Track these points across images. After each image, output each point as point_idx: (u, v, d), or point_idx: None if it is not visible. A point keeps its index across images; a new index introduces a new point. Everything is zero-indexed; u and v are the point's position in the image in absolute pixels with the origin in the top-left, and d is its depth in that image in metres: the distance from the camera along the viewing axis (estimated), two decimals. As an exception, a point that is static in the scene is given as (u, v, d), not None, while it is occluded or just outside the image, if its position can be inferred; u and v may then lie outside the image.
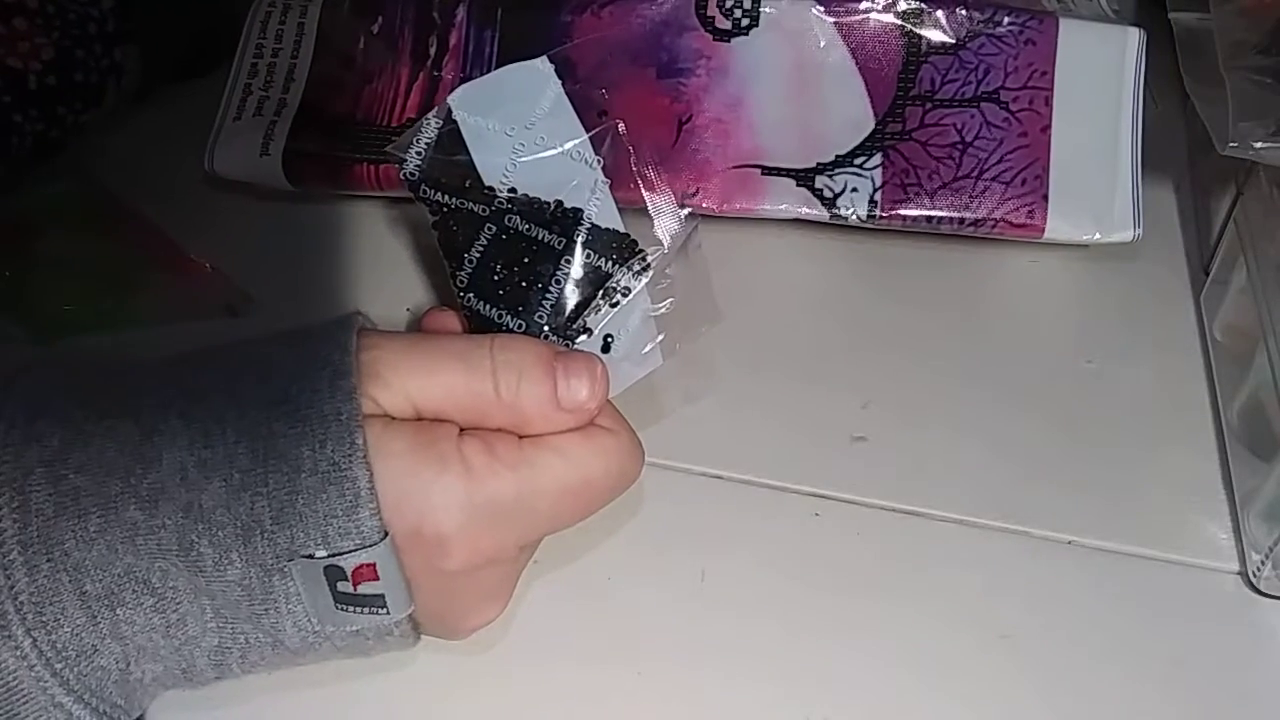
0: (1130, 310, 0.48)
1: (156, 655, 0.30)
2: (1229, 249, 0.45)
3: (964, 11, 0.47)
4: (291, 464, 0.29)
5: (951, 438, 0.43)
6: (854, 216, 0.47)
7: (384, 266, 0.49)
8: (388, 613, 0.30)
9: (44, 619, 0.28)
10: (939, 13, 0.47)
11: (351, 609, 0.30)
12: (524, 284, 0.37)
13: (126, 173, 0.50)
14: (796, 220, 0.48)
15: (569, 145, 0.39)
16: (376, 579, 0.29)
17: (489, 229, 0.38)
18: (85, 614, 0.28)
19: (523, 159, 0.39)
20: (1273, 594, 0.38)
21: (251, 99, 0.50)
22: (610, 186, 0.39)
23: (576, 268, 0.37)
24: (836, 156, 0.47)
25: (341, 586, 0.29)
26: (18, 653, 0.28)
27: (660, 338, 0.38)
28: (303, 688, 0.36)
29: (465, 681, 0.36)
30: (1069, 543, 0.40)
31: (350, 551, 0.29)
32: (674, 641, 0.37)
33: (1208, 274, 0.47)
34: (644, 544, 0.40)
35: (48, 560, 0.28)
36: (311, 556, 0.29)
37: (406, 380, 0.31)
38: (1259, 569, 0.38)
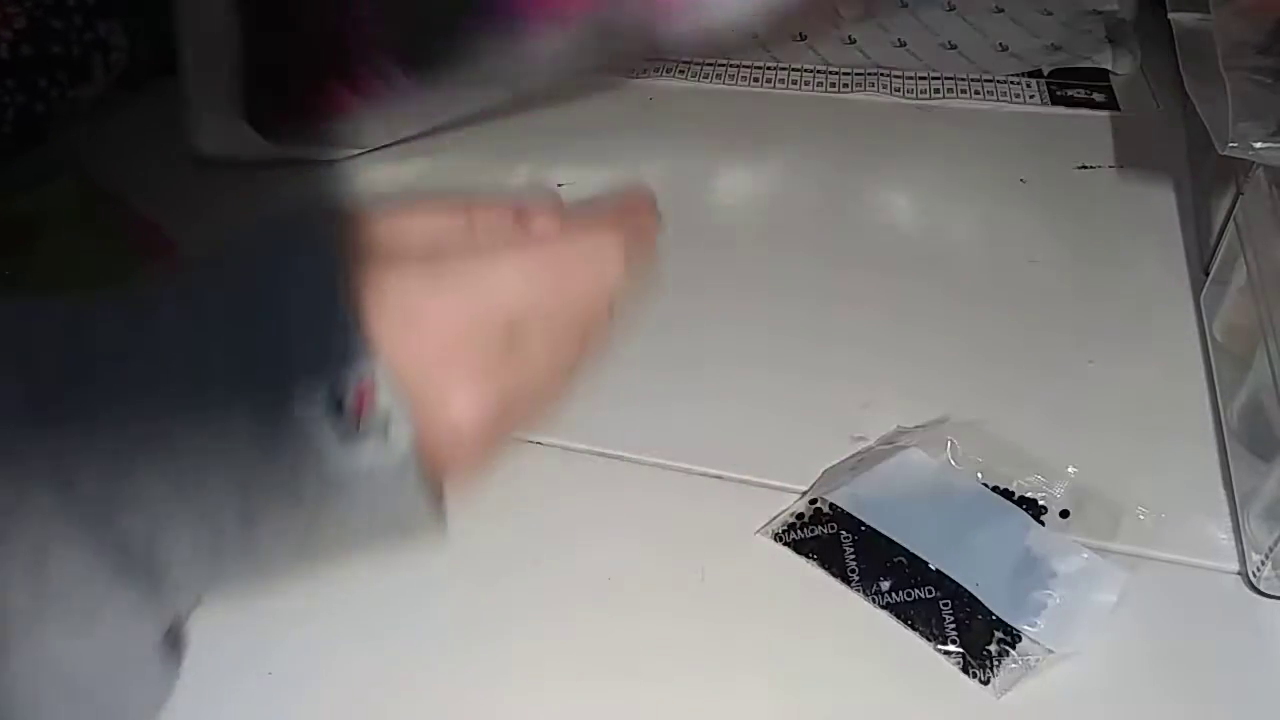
0: (1130, 310, 0.48)
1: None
2: (1229, 249, 0.45)
3: None
4: (278, 309, 0.29)
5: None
6: None
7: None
8: (396, 435, 0.29)
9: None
10: None
11: (361, 440, 0.29)
12: None
13: (121, 164, 0.51)
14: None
15: None
16: (378, 397, 0.29)
17: None
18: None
19: None
20: (1273, 594, 0.38)
21: (210, 74, 0.49)
22: None
23: None
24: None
25: (346, 415, 0.29)
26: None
27: None
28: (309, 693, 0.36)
29: (465, 681, 0.36)
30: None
31: (344, 374, 0.28)
32: (673, 641, 0.37)
33: (1208, 274, 0.47)
34: (644, 544, 0.40)
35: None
36: (312, 389, 0.28)
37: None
38: (1259, 569, 0.38)
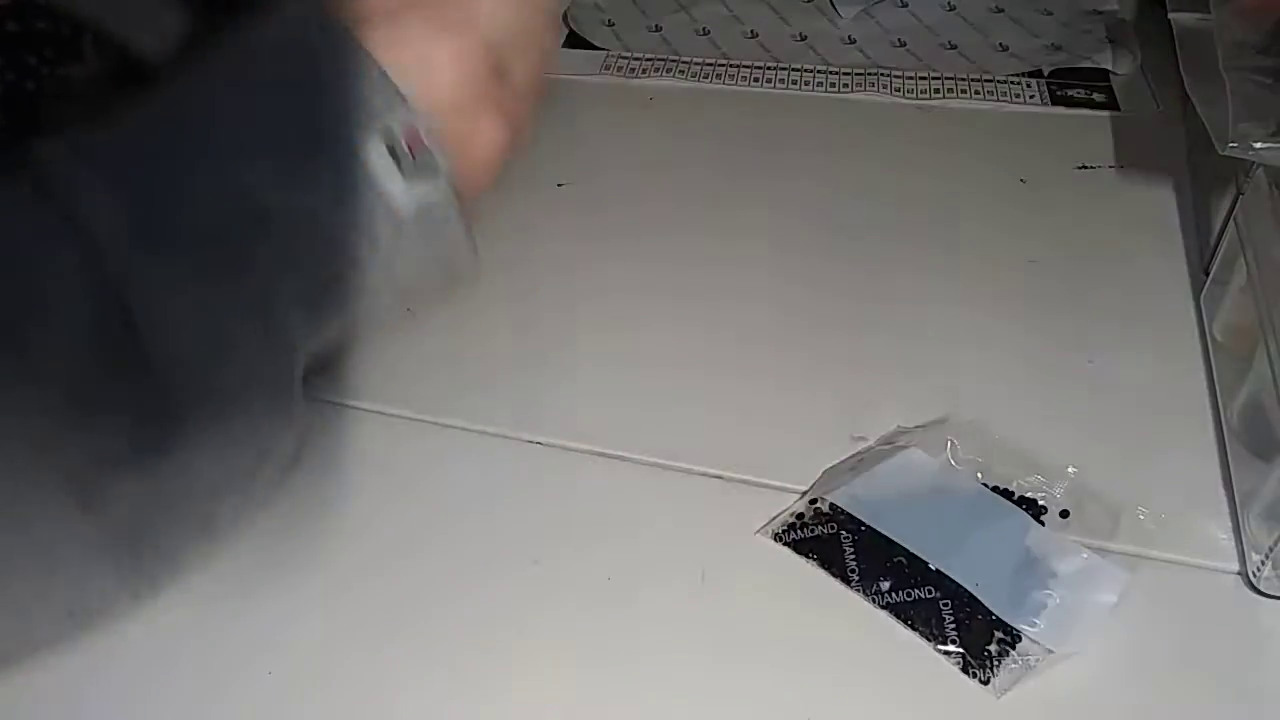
0: (1130, 310, 0.48)
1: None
2: (1229, 249, 0.45)
3: None
4: (318, 81, 0.31)
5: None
6: None
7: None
8: (443, 176, 0.32)
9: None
10: None
11: (417, 181, 0.32)
12: None
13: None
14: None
15: None
16: (425, 141, 0.32)
17: None
18: None
19: None
20: (1273, 594, 0.38)
21: None
22: None
23: None
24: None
25: (403, 159, 0.31)
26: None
27: None
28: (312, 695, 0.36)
29: (466, 681, 0.36)
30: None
31: (398, 121, 0.31)
32: (674, 641, 0.37)
33: (1208, 274, 0.47)
34: (644, 544, 0.40)
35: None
36: (372, 136, 0.31)
37: None
38: (1259, 569, 0.38)
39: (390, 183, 0.32)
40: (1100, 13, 0.68)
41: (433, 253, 0.34)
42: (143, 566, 0.31)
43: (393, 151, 0.31)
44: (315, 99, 0.31)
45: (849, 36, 0.67)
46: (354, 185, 0.31)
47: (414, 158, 0.32)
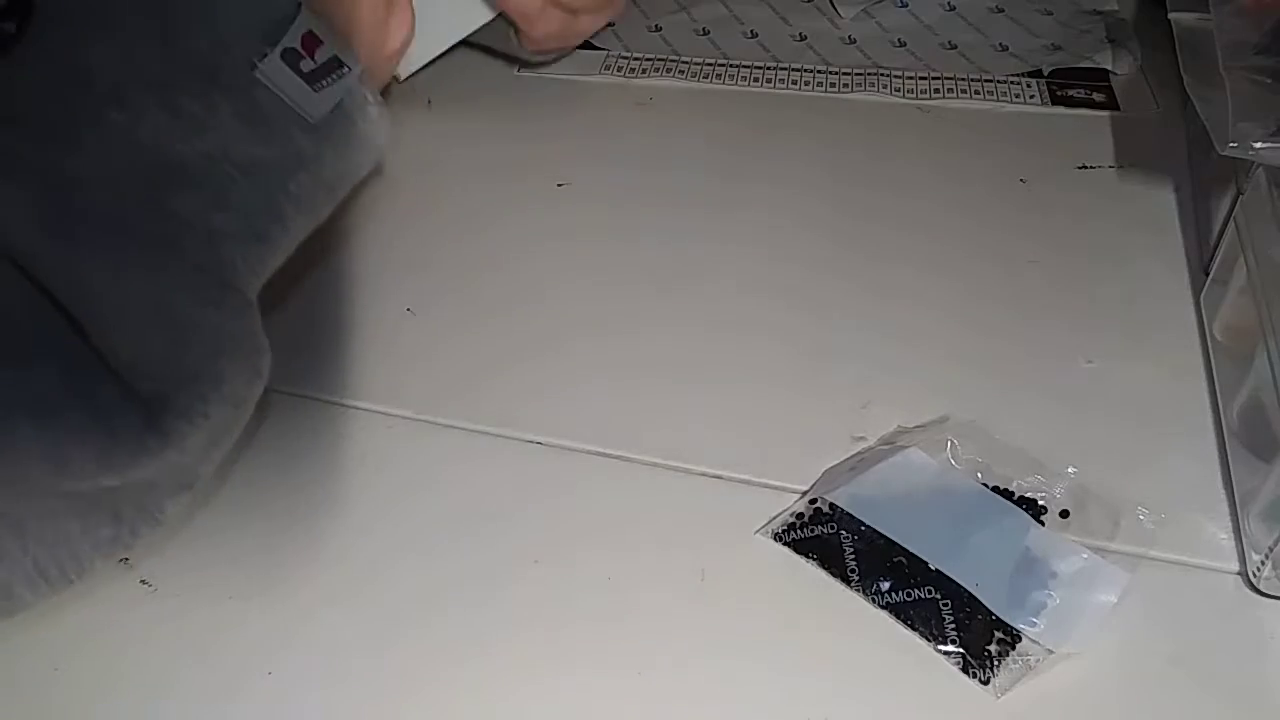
0: (1130, 310, 0.48)
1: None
2: (1229, 249, 0.45)
3: None
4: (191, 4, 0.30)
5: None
6: None
7: (380, 262, 0.49)
8: (347, 68, 0.32)
9: None
10: None
11: (322, 82, 0.32)
12: None
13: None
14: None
15: None
16: (321, 41, 0.31)
17: None
18: None
19: None
20: (1273, 594, 0.38)
21: None
22: None
23: None
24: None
25: (304, 66, 0.31)
26: None
27: None
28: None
29: (466, 682, 0.36)
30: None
31: (289, 31, 0.31)
32: (674, 641, 0.37)
33: (1208, 274, 0.47)
34: (644, 544, 0.40)
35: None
36: (266, 54, 0.30)
37: None
38: (1259, 569, 0.38)
39: (295, 93, 0.31)
40: (1100, 13, 0.68)
41: (352, 144, 0.33)
42: (121, 530, 0.30)
43: (291, 60, 0.31)
44: (192, 25, 0.30)
45: (849, 36, 0.67)
46: (259, 107, 0.31)
47: (315, 60, 0.31)
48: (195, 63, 0.30)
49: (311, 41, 0.31)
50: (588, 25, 0.59)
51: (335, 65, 0.32)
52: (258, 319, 0.32)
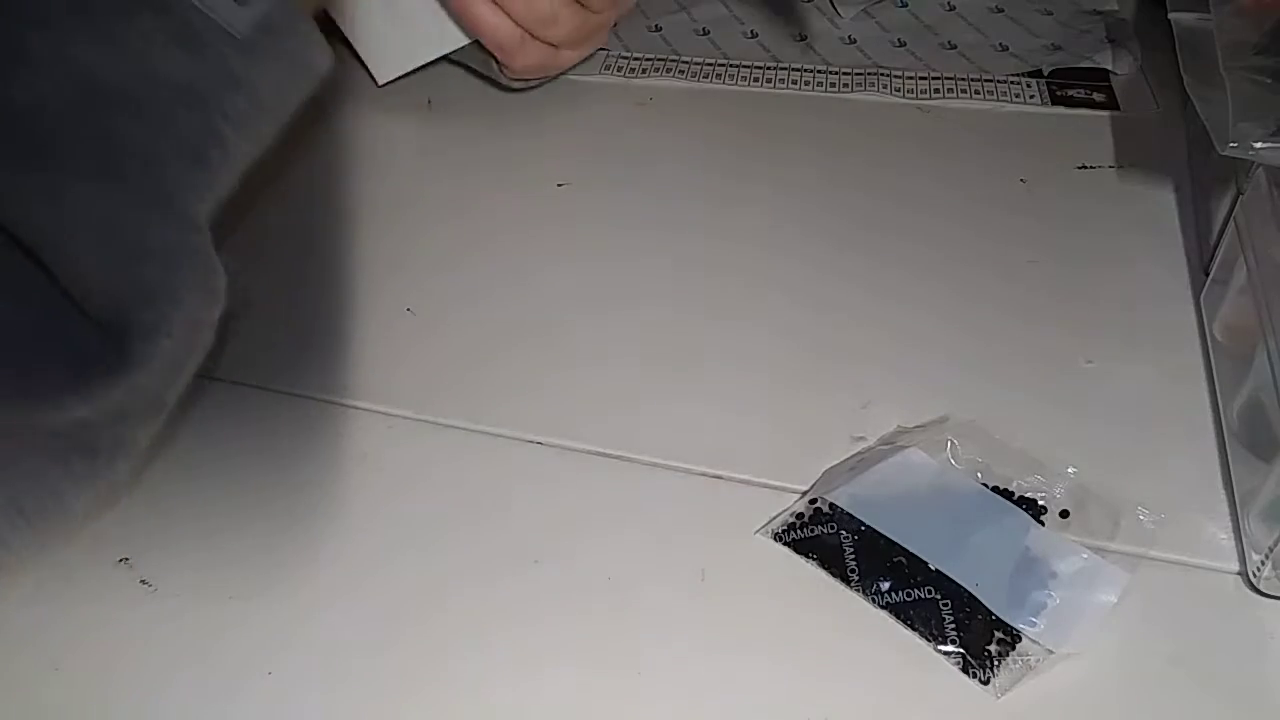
0: (1130, 310, 0.48)
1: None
2: (1229, 249, 0.45)
3: None
4: None
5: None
6: None
7: (381, 263, 0.49)
8: None
9: None
10: None
11: None
12: None
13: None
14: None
15: None
16: None
17: None
18: None
19: None
20: (1273, 594, 0.38)
21: None
22: None
23: None
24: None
25: None
26: None
27: None
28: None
29: (465, 682, 0.36)
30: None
31: None
32: (674, 640, 0.37)
33: (1208, 274, 0.47)
34: (644, 544, 0.40)
35: None
36: None
37: None
38: (1259, 569, 0.38)
39: (221, 7, 0.30)
40: (1100, 13, 0.68)
41: (284, 62, 0.32)
42: (98, 463, 0.30)
43: None
44: None
45: (849, 36, 0.67)
46: (188, 26, 0.30)
47: None
48: None
49: None
50: (570, 58, 0.59)
51: None
52: (209, 242, 0.31)
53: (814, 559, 0.39)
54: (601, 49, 0.67)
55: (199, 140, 0.31)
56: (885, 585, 0.38)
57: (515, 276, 0.51)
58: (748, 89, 0.64)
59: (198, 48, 0.30)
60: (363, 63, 0.60)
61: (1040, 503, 0.40)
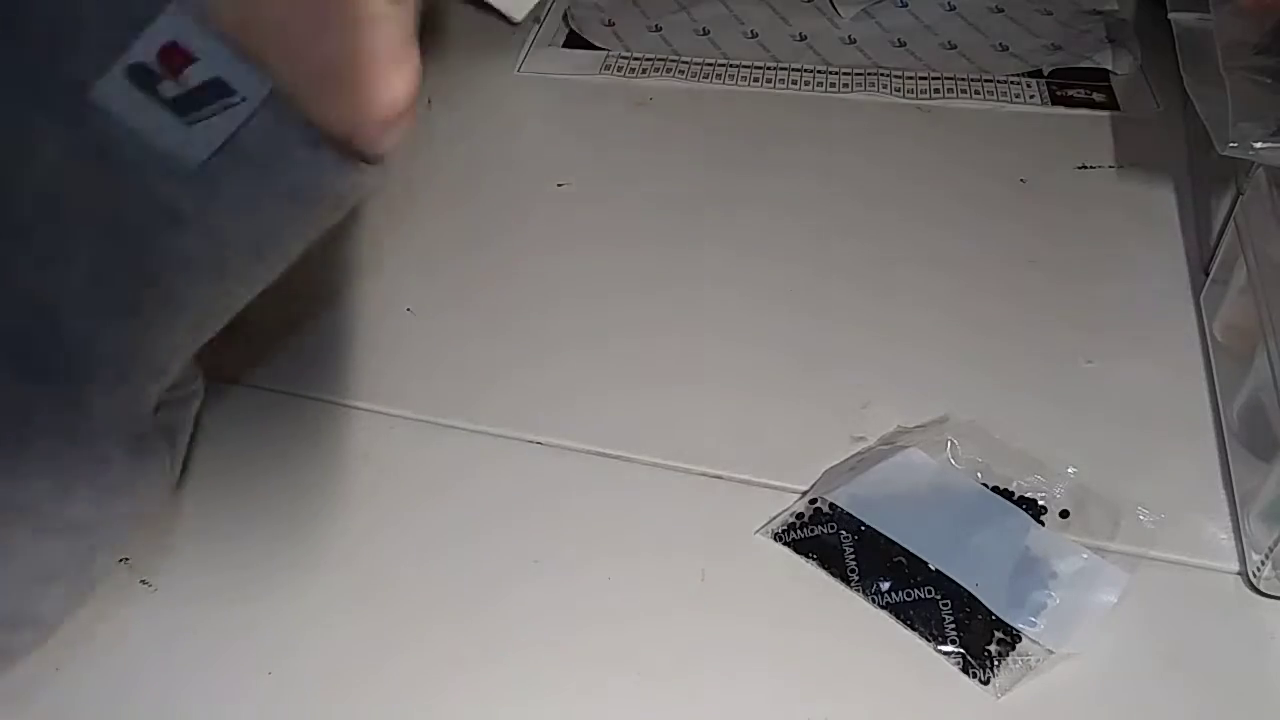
0: (1130, 310, 0.48)
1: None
2: (1229, 249, 0.45)
3: None
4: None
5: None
6: None
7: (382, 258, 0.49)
8: (239, 96, 0.23)
9: None
10: None
11: (199, 113, 0.23)
12: None
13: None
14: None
15: None
16: (195, 58, 0.23)
17: None
18: None
19: None
20: (1273, 594, 0.38)
21: None
22: None
23: None
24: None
25: (165, 89, 0.23)
26: None
27: None
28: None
29: (465, 681, 0.36)
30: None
31: (139, 40, 0.22)
32: (674, 641, 0.37)
33: (1208, 274, 0.47)
34: (644, 544, 0.40)
35: None
36: (108, 70, 0.22)
37: None
38: (1259, 569, 0.38)
39: (154, 125, 0.23)
40: (1100, 13, 0.68)
41: (268, 193, 0.25)
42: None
43: (143, 81, 0.22)
44: (17, 17, 0.22)
45: (849, 36, 0.67)
46: (106, 141, 0.23)
47: (181, 82, 0.23)
48: (12, 71, 0.22)
49: (176, 56, 0.23)
50: None
51: (220, 91, 0.23)
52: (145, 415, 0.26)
53: (814, 559, 0.39)
54: (602, 49, 0.67)
55: (122, 286, 0.24)
56: (885, 585, 0.38)
57: (515, 277, 0.51)
58: (747, 89, 0.63)
59: (116, 172, 0.23)
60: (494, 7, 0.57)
61: (1040, 503, 0.40)
